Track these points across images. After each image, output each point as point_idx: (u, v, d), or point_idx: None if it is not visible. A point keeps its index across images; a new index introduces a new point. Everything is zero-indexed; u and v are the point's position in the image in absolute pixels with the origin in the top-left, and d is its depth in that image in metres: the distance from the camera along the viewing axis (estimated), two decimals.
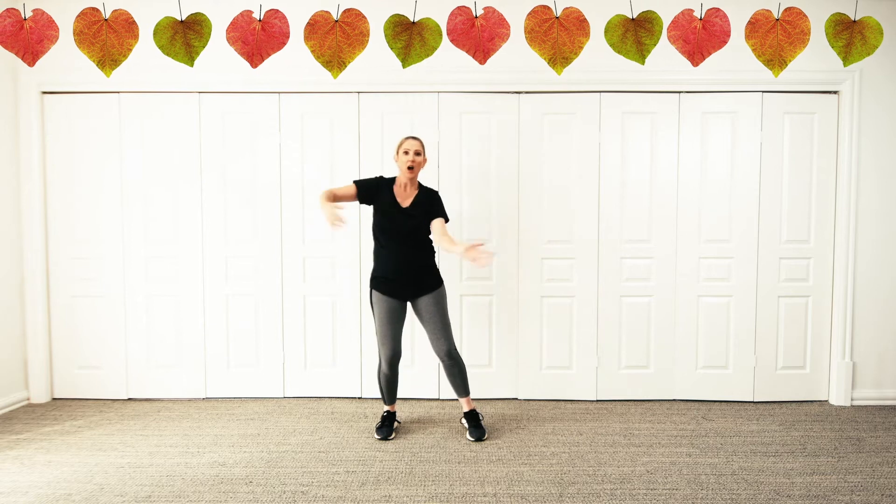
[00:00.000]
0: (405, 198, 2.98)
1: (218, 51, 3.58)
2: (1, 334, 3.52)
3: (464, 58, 3.57)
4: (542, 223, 3.65)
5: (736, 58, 3.55)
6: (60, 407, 3.59)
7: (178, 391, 3.72)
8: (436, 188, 3.57)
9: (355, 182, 3.00)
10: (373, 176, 3.12)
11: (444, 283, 3.14)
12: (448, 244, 2.78)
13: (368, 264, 3.65)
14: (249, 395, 3.73)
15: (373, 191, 2.99)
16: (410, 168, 2.92)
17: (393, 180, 3.02)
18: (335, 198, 2.92)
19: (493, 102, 3.62)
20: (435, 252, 3.09)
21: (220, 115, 3.65)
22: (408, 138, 2.98)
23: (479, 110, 3.62)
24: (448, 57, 3.57)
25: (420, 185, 3.04)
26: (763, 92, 3.58)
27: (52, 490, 2.49)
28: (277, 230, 3.68)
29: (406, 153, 2.94)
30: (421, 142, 3.00)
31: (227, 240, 3.69)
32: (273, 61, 3.58)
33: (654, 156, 3.62)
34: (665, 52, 3.55)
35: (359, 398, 3.73)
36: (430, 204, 2.98)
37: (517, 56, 3.57)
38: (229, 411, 3.49)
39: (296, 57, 3.58)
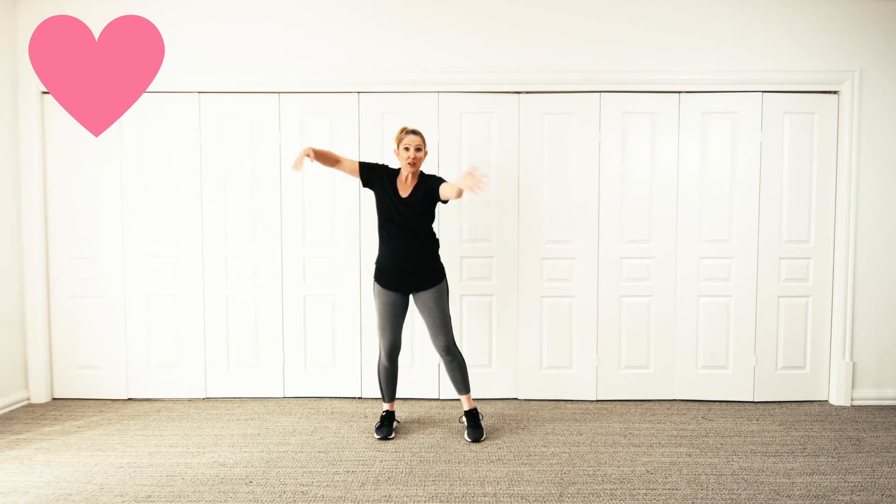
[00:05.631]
0: (406, 188, 2.96)
1: (218, 51, 3.59)
2: (1, 334, 3.52)
3: (464, 58, 3.57)
4: (542, 223, 3.65)
5: (736, 58, 3.55)
6: (60, 407, 3.59)
7: (178, 391, 3.72)
8: None
9: (360, 162, 3.01)
10: (379, 162, 3.07)
11: (447, 278, 3.12)
12: (452, 187, 2.71)
13: (368, 264, 3.65)
14: (249, 395, 3.73)
15: (375, 176, 2.98)
16: (412, 164, 2.91)
17: (397, 171, 3.02)
18: (335, 161, 2.96)
19: (493, 102, 3.62)
20: (438, 246, 3.08)
21: (220, 115, 3.65)
22: (407, 133, 2.94)
23: (479, 110, 3.62)
24: (448, 57, 3.57)
25: (421, 174, 3.01)
26: (763, 92, 3.57)
27: (52, 490, 2.49)
28: (277, 230, 3.68)
29: (407, 149, 2.91)
30: (421, 136, 2.95)
31: (227, 240, 3.69)
32: (273, 61, 3.59)
33: (654, 156, 3.62)
34: (665, 52, 3.56)
35: (359, 398, 3.73)
36: (427, 184, 2.95)
37: (517, 56, 3.57)
38: (229, 411, 3.49)
39: (296, 57, 3.59)
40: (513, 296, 3.68)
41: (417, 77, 3.56)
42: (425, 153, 2.97)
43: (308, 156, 2.78)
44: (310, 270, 3.69)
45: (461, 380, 3.08)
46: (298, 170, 2.73)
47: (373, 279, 3.09)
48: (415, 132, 2.95)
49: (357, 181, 3.63)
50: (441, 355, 3.06)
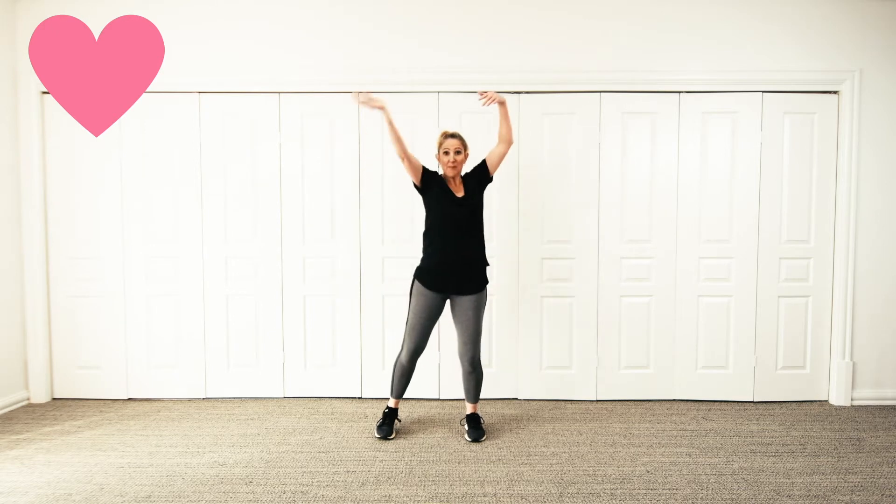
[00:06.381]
0: (459, 189, 3.00)
1: (218, 51, 3.59)
2: (1, 334, 3.52)
3: (464, 58, 3.57)
4: (542, 223, 3.65)
5: (736, 58, 3.55)
6: (60, 407, 3.59)
7: (178, 391, 3.72)
8: None
9: (423, 167, 3.01)
10: (431, 169, 3.10)
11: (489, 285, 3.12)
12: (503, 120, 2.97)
13: (368, 265, 3.65)
14: (249, 395, 3.73)
15: (430, 181, 2.99)
16: (453, 167, 2.95)
17: (444, 177, 3.05)
18: (403, 148, 2.89)
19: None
20: (486, 249, 3.08)
21: (220, 115, 3.65)
22: (447, 137, 2.97)
23: (479, 110, 3.61)
24: (448, 57, 3.57)
25: (466, 173, 3.07)
26: (763, 92, 3.58)
27: (52, 490, 2.49)
28: (277, 230, 3.68)
29: (447, 153, 2.94)
30: (460, 139, 2.98)
31: (227, 240, 3.69)
32: (273, 61, 3.59)
33: (654, 156, 3.62)
34: (665, 52, 3.56)
35: (359, 398, 3.73)
36: (473, 175, 3.03)
37: (517, 56, 3.57)
38: (229, 411, 3.49)
39: (296, 57, 3.59)
40: (513, 296, 3.68)
41: (417, 77, 3.57)
42: (466, 155, 2.99)
43: (375, 102, 2.86)
44: (310, 270, 3.69)
45: (474, 391, 3.09)
46: (359, 100, 2.88)
47: (413, 278, 3.05)
48: (454, 135, 2.98)
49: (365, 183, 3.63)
50: (463, 366, 3.05)
